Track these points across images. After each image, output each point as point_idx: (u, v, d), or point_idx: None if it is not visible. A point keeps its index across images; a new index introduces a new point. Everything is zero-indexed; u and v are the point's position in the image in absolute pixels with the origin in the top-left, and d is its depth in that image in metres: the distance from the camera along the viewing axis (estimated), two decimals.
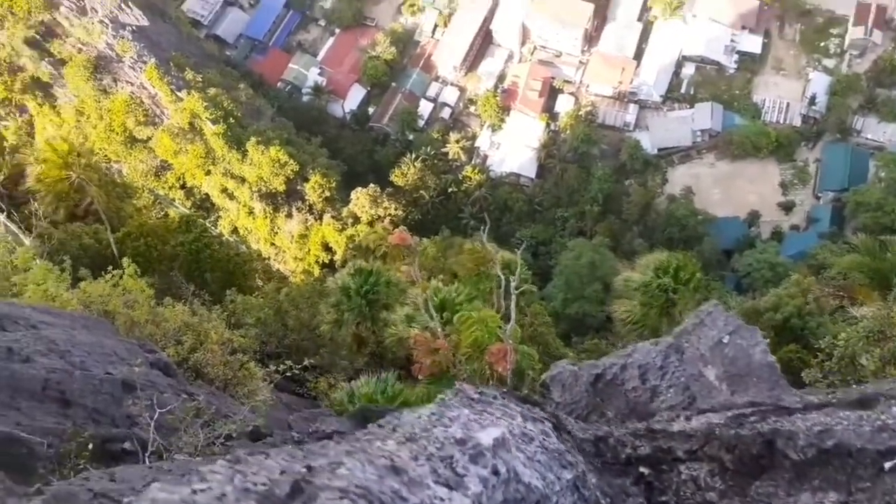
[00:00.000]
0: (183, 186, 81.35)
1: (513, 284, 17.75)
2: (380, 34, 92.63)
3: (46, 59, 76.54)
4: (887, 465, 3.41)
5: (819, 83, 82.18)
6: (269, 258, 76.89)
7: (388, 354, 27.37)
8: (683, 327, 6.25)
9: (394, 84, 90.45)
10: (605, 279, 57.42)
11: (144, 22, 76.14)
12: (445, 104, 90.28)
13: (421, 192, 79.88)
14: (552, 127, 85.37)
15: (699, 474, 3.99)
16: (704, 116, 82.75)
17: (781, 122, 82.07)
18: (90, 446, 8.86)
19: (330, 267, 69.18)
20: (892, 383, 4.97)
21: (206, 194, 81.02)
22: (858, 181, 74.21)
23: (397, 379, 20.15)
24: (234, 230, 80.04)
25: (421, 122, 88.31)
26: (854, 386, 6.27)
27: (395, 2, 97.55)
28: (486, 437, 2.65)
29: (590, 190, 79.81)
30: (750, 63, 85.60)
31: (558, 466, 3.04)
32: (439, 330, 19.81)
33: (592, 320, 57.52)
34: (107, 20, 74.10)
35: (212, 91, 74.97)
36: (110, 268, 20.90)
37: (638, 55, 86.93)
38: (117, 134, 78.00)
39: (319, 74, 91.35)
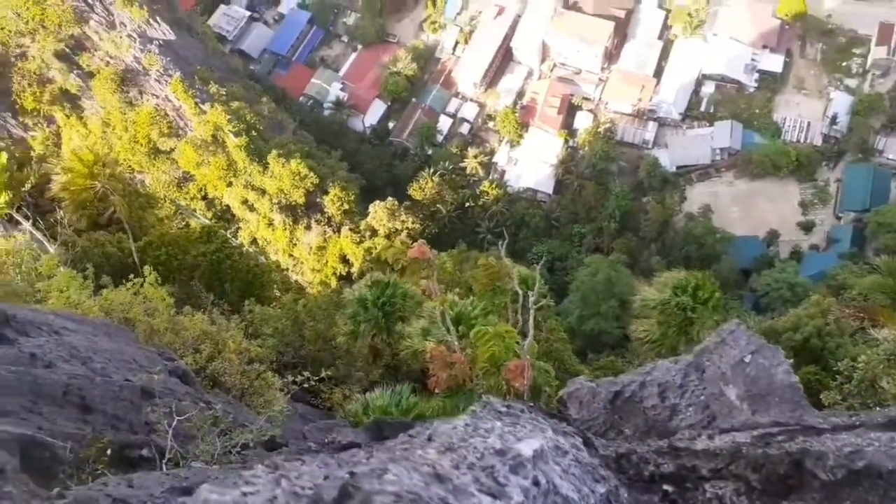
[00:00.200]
0: (204, 197, 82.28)
1: (531, 299, 17.67)
2: (401, 51, 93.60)
3: (75, 72, 78.05)
4: None
5: (841, 103, 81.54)
6: (287, 269, 77.35)
7: (402, 367, 27.34)
8: (704, 346, 6.20)
9: (414, 99, 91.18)
10: (622, 296, 57.09)
11: (171, 36, 77.55)
12: (464, 120, 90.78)
13: (438, 206, 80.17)
14: (570, 143, 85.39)
15: (724, 493, 3.94)
16: (724, 134, 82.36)
17: (802, 141, 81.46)
18: (108, 452, 8.91)
19: (347, 279, 69.44)
20: None
21: (227, 205, 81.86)
22: (880, 202, 73.34)
23: (412, 392, 20.11)
24: (254, 241, 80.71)
25: (440, 137, 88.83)
26: (877, 409, 6.18)
27: (416, 19, 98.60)
28: (527, 448, 2.66)
29: (607, 206, 79.55)
30: (771, 82, 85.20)
31: (591, 480, 3.03)
32: (456, 344, 19.78)
33: (608, 337, 57.13)
34: (135, 34, 75.55)
35: (235, 104, 76.05)
36: (132, 276, 21.18)
37: (658, 73, 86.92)
38: (141, 145, 79.22)
39: (341, 89, 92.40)
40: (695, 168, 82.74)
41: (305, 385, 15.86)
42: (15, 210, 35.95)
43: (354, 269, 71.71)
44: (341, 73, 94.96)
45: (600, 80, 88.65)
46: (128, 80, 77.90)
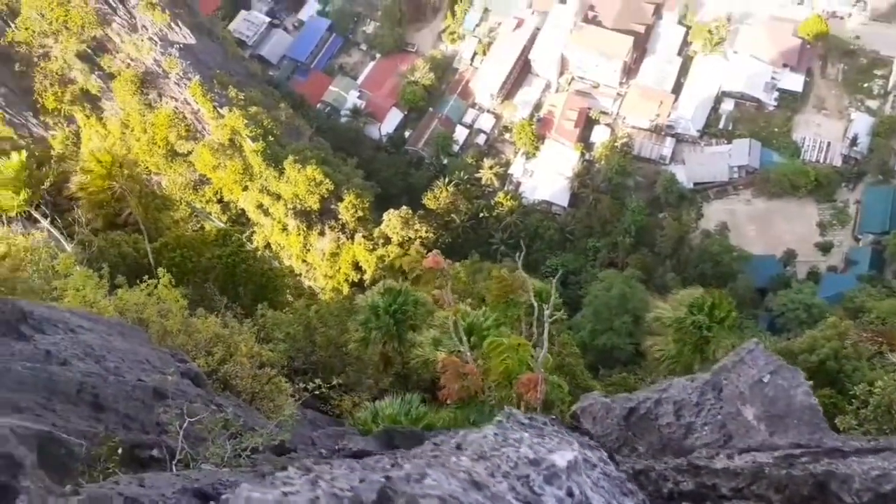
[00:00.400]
0: (220, 201, 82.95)
1: (546, 313, 17.56)
2: (419, 60, 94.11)
3: (96, 73, 79.17)
4: None
5: (861, 123, 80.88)
6: (300, 274, 77.66)
7: (413, 376, 27.27)
8: (722, 364, 6.12)
9: (431, 109, 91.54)
10: (635, 312, 56.67)
11: (192, 40, 78.49)
12: (481, 130, 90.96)
13: (452, 215, 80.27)
14: (587, 157, 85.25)
15: None
16: (742, 152, 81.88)
17: (821, 161, 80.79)
18: (119, 451, 8.91)
19: (359, 286, 69.58)
20: None
21: (242, 209, 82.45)
22: None
23: (421, 402, 20.02)
24: (267, 245, 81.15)
25: (456, 147, 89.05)
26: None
27: (435, 29, 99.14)
28: (561, 459, 2.63)
29: (623, 221, 79.22)
30: (791, 101, 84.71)
31: (620, 493, 2.98)
32: (468, 354, 19.69)
33: (620, 353, 56.67)
34: (156, 38, 76.55)
35: (253, 109, 76.72)
36: (146, 277, 21.31)
37: (676, 89, 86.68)
38: (159, 147, 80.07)
39: (359, 97, 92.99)
40: (712, 185, 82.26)
41: (316, 392, 15.82)
42: (34, 208, 36.40)
43: (367, 277, 71.85)
44: (359, 80, 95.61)
45: (618, 94, 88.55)
46: (148, 82, 78.88)
